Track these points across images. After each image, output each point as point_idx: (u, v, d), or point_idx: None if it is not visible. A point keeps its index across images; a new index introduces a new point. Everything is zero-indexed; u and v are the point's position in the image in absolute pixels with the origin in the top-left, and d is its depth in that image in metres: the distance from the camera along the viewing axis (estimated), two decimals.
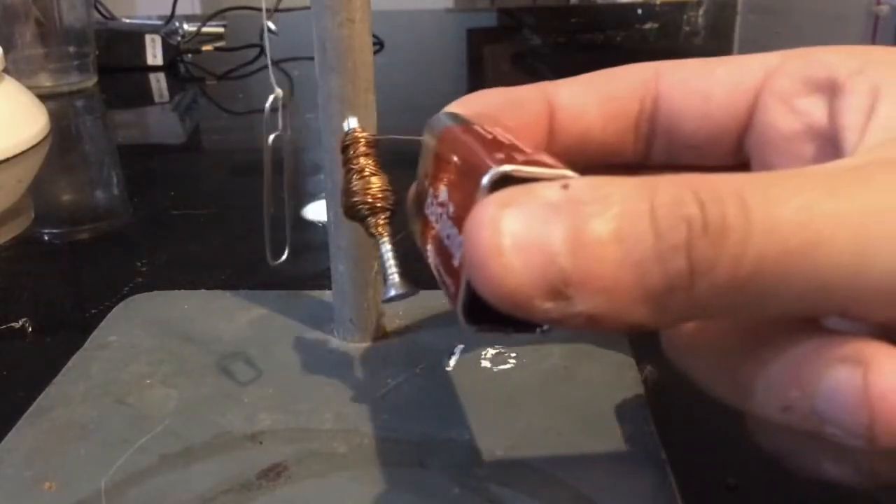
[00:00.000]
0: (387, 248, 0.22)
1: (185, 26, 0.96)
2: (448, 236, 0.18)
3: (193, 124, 0.73)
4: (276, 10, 1.01)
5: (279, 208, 0.30)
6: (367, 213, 0.22)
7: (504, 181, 0.15)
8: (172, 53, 0.88)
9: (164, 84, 0.84)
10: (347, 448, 0.26)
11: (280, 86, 0.28)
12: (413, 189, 0.22)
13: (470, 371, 0.29)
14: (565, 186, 0.14)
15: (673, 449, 0.25)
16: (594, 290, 0.14)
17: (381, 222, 0.22)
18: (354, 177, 0.23)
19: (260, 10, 1.05)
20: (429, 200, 0.20)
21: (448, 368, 0.30)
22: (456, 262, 0.17)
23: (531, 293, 0.14)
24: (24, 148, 0.59)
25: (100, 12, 0.96)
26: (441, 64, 0.95)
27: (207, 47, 0.95)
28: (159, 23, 0.94)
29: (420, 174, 0.21)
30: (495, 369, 0.30)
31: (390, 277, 0.21)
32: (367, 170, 0.23)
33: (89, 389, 0.29)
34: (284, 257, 0.31)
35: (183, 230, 0.46)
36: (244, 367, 0.30)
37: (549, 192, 0.14)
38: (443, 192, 0.19)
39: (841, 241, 0.14)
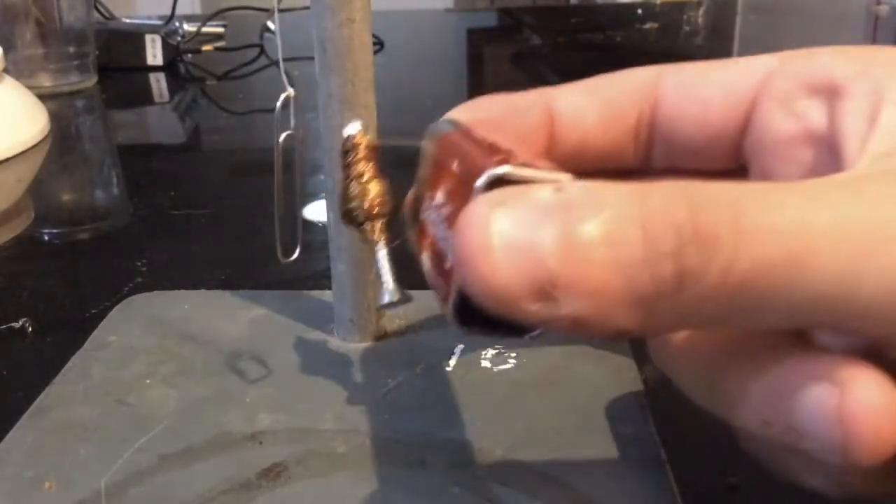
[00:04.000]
0: (383, 255, 0.22)
1: (185, 26, 0.96)
2: (443, 238, 0.18)
3: (193, 124, 0.73)
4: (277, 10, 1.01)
5: (289, 207, 0.30)
6: (363, 218, 0.22)
7: (499, 183, 0.15)
8: (172, 53, 0.88)
9: (164, 84, 0.84)
10: (347, 448, 0.26)
11: (280, 86, 0.28)
12: (411, 195, 0.22)
13: (470, 371, 0.29)
14: (558, 189, 0.14)
15: (673, 449, 0.25)
16: (581, 292, 0.14)
17: (378, 228, 0.22)
18: (353, 182, 0.23)
19: (259, 10, 1.05)
20: (426, 204, 0.20)
21: (448, 368, 0.30)
22: (448, 264, 0.17)
23: (518, 293, 0.14)
24: (24, 148, 0.59)
25: (100, 12, 0.96)
26: (441, 64, 0.95)
27: (207, 47, 0.95)
28: (159, 23, 0.93)
29: (418, 180, 0.21)
30: (495, 369, 0.30)
31: (385, 283, 0.21)
32: (365, 175, 0.23)
33: (89, 389, 0.29)
34: (296, 255, 0.31)
35: (183, 230, 0.46)
36: (244, 367, 0.30)
37: (541, 193, 0.14)
38: (440, 196, 0.19)
39: (833, 255, 0.14)
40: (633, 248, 0.14)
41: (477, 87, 0.85)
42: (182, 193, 0.52)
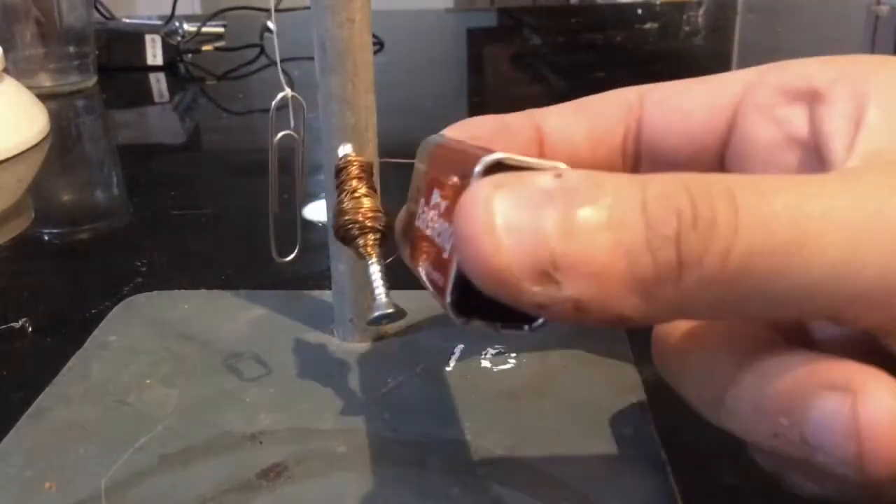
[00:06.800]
0: (375, 269, 0.22)
1: (185, 26, 0.96)
2: (439, 234, 0.18)
3: (193, 124, 0.73)
4: (276, 10, 1.01)
5: (287, 207, 0.30)
6: (356, 233, 0.22)
7: (497, 169, 0.16)
8: (172, 53, 0.88)
9: (164, 84, 0.84)
10: (347, 448, 0.26)
11: (280, 86, 0.28)
12: (403, 212, 0.22)
13: (470, 371, 0.29)
14: (559, 175, 0.15)
15: (673, 449, 0.25)
16: (583, 274, 0.14)
17: (371, 243, 0.22)
18: (346, 197, 0.23)
19: (259, 10, 1.05)
20: (420, 211, 0.20)
21: (448, 368, 0.30)
22: (445, 255, 0.17)
23: (520, 273, 0.14)
24: (24, 148, 0.59)
25: (100, 12, 0.96)
26: (441, 64, 0.95)
27: (207, 47, 0.95)
28: (159, 23, 0.93)
29: (412, 194, 0.21)
30: (495, 369, 0.30)
31: (377, 298, 0.21)
32: (358, 191, 0.23)
33: (89, 389, 0.29)
34: (294, 255, 0.31)
35: (183, 230, 0.46)
36: (244, 367, 0.30)
37: (542, 177, 0.15)
38: (435, 195, 0.19)
39: (828, 241, 0.14)
40: (635, 232, 0.14)
41: (477, 87, 0.85)
42: (182, 193, 0.52)
